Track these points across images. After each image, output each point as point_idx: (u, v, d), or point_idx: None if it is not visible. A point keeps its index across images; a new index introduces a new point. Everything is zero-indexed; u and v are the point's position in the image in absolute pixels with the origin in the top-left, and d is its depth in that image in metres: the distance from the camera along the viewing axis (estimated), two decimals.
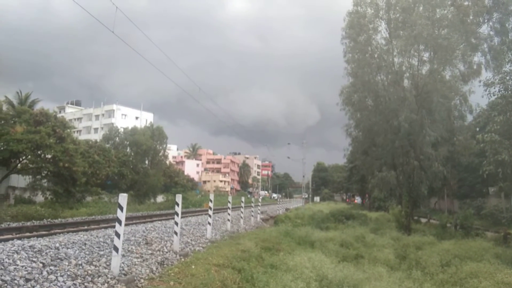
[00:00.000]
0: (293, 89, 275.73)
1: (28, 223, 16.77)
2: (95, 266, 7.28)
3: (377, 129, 25.24)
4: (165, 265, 9.00)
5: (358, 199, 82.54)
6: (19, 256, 6.68)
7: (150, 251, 9.60)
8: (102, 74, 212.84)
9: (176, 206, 10.73)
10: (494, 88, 16.27)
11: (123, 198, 7.49)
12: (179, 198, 10.89)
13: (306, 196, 78.94)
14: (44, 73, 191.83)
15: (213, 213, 15.06)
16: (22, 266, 6.27)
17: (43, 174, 27.66)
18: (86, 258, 7.55)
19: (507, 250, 14.66)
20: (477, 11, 21.51)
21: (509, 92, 15.71)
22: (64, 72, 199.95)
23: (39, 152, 26.28)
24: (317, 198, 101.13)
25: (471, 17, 22.01)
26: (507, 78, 15.93)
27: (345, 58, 26.04)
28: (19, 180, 29.86)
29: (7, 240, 9.65)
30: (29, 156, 26.23)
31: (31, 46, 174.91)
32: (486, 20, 21.94)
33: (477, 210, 31.62)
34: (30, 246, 7.36)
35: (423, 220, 30.96)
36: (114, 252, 7.31)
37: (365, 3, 24.78)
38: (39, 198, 27.62)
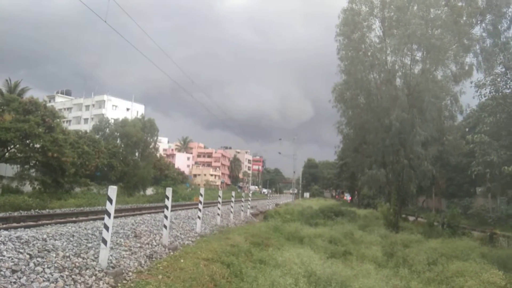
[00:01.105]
0: (288, 84, 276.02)
1: (16, 213, 16.60)
2: (83, 258, 7.22)
3: (369, 127, 25.35)
4: (153, 259, 8.97)
5: (347, 196, 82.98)
6: (5, 247, 6.58)
7: (139, 244, 9.55)
8: (96, 63, 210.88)
9: (166, 200, 10.68)
10: (485, 90, 16.43)
11: (112, 191, 7.42)
12: (169, 191, 10.83)
13: (295, 191, 79.01)
14: (37, 61, 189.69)
15: (203, 207, 15.02)
16: (9, 257, 6.18)
17: (32, 164, 27.29)
18: (74, 250, 7.48)
19: (492, 250, 14.91)
20: (470, 12, 21.61)
21: (500, 93, 15.87)
22: (58, 60, 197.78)
23: (27, 142, 25.90)
24: (306, 194, 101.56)
25: (464, 18, 22.11)
26: (498, 80, 16.09)
27: (339, 55, 26.01)
28: (7, 169, 29.45)
29: None
30: (17, 145, 25.82)
31: (24, 33, 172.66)
32: (479, 22, 22.02)
33: (464, 209, 32.07)
34: (17, 237, 7.26)
35: (411, 218, 31.27)
36: (102, 245, 7.26)
37: (360, 1, 24.75)
38: (27, 188, 27.25)
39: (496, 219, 28.69)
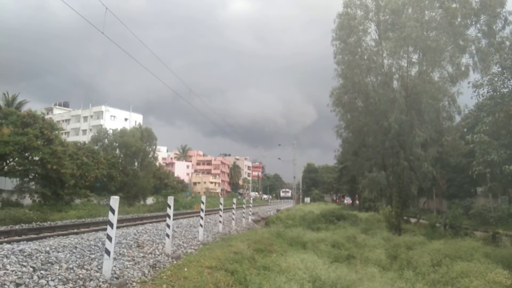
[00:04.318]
0: (290, 89, 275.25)
1: (17, 227, 16.49)
2: (87, 269, 7.18)
3: (367, 130, 25.39)
4: (157, 268, 8.91)
5: (347, 200, 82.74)
6: (8, 260, 6.55)
7: (142, 254, 9.50)
8: (97, 73, 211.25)
9: (168, 208, 10.63)
10: (483, 90, 16.50)
11: (114, 201, 7.39)
12: (171, 200, 10.78)
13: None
14: (37, 73, 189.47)
15: (205, 215, 14.97)
16: (12, 271, 6.14)
17: (31, 177, 27.26)
18: (77, 262, 7.44)
19: (496, 249, 14.87)
20: (465, 13, 21.74)
21: (498, 93, 15.92)
22: (57, 72, 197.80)
23: (26, 154, 25.90)
24: (307, 199, 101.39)
25: (459, 19, 22.23)
26: (496, 79, 16.15)
27: (335, 60, 26.08)
28: (6, 183, 29.38)
29: None
30: (16, 158, 25.82)
31: (25, 45, 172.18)
32: (473, 22, 22.17)
33: (466, 210, 31.97)
34: (20, 250, 7.23)
35: (413, 220, 31.25)
36: (105, 256, 7.21)
37: (355, 5, 24.90)
38: (27, 201, 27.17)
39: (498, 218, 28.61)
